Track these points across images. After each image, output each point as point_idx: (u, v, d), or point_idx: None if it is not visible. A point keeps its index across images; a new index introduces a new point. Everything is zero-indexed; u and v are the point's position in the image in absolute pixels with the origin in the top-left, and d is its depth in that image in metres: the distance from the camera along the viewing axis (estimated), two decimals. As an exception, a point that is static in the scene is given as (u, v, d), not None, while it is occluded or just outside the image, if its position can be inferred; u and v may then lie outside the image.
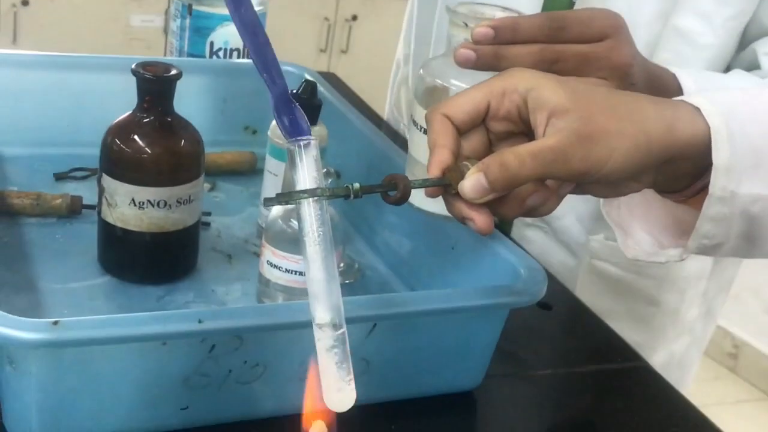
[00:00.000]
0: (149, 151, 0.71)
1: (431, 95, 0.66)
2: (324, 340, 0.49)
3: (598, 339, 0.82)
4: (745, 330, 2.47)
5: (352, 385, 0.49)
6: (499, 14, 0.65)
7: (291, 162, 0.51)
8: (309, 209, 0.50)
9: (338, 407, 0.48)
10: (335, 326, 0.49)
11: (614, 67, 0.60)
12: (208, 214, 0.85)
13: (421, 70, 0.68)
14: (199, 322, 0.56)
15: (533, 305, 0.81)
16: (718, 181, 0.52)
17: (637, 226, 0.59)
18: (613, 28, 0.60)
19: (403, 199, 0.54)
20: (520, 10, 0.65)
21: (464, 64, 0.60)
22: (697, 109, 0.53)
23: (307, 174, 0.51)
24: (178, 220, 0.74)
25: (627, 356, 0.80)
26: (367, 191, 0.53)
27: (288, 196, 0.51)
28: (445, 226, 0.77)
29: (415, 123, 0.67)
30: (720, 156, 0.52)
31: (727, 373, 2.49)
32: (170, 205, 0.73)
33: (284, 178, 0.76)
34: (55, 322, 0.52)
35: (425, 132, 0.60)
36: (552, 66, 0.59)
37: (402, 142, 0.93)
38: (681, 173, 0.54)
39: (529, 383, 0.74)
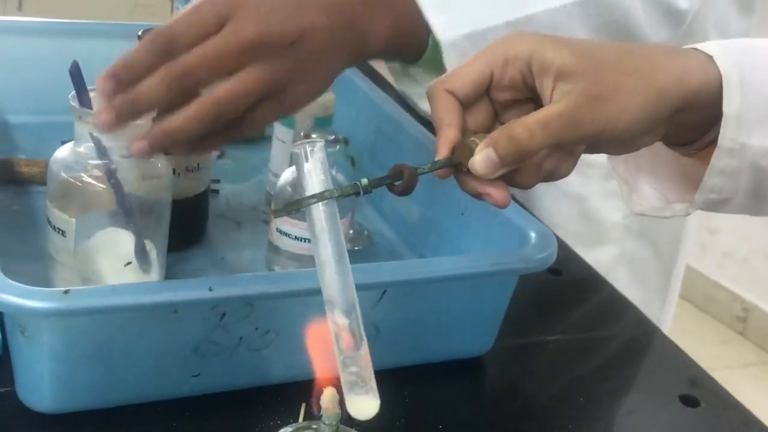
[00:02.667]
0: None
1: (66, 192, 0.63)
2: (342, 352, 0.48)
3: (608, 304, 0.82)
4: (755, 293, 2.47)
5: (374, 393, 0.48)
6: None
7: (298, 166, 0.51)
8: (319, 213, 0.50)
9: (361, 416, 0.47)
10: (352, 332, 0.48)
11: None
12: (217, 181, 0.85)
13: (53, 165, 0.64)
14: (210, 289, 0.56)
15: (543, 271, 0.82)
16: (727, 132, 0.51)
17: (644, 180, 0.58)
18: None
19: (409, 188, 0.53)
20: None
21: (140, 152, 0.58)
22: (710, 58, 0.52)
23: (315, 178, 0.50)
24: (186, 188, 0.74)
25: (637, 322, 0.80)
26: (376, 185, 0.52)
27: (297, 203, 0.50)
28: (453, 192, 0.76)
29: (50, 223, 0.64)
30: (731, 105, 0.50)
31: (735, 336, 2.49)
32: (179, 173, 0.72)
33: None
34: (66, 291, 0.52)
35: (62, 234, 0.60)
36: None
37: (409, 107, 0.92)
38: (691, 124, 0.52)
39: (538, 349, 0.74)
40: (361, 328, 0.48)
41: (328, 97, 0.84)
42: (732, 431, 0.68)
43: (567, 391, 0.70)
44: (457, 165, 0.53)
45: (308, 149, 0.49)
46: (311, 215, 0.49)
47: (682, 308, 1.97)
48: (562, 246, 0.88)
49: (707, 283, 2.52)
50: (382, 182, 0.53)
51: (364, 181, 0.52)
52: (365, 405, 0.47)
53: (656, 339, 0.78)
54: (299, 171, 0.50)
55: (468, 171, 0.53)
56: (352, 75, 0.94)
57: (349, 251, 0.79)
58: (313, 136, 0.73)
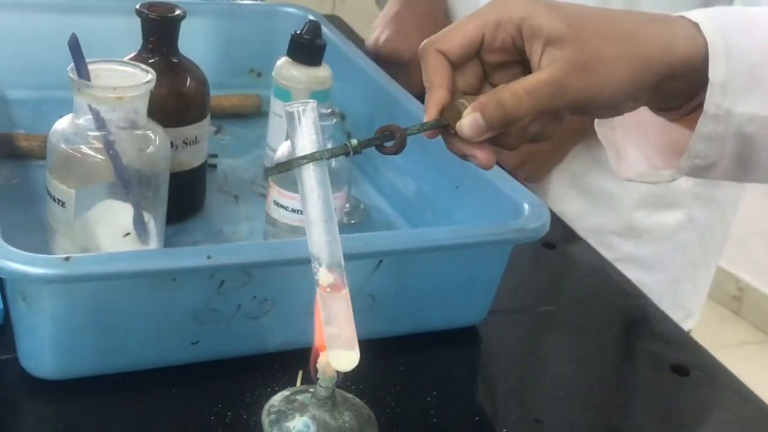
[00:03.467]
0: (155, 92, 0.72)
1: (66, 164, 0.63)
2: (327, 301, 0.49)
3: (601, 277, 0.83)
4: (750, 273, 2.48)
5: (355, 347, 0.49)
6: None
7: (290, 126, 0.52)
8: (309, 173, 0.51)
9: (343, 368, 0.49)
10: (338, 287, 0.49)
11: None
12: (215, 156, 0.86)
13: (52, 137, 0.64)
14: (208, 257, 0.57)
15: (537, 244, 0.83)
16: (713, 99, 0.52)
17: (631, 147, 0.59)
18: None
19: (401, 148, 0.54)
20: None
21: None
22: (696, 25, 0.52)
23: (307, 138, 0.51)
24: (184, 161, 0.75)
25: (630, 293, 0.81)
26: (365, 145, 0.53)
27: (288, 164, 0.51)
28: (448, 166, 0.77)
29: (50, 194, 0.64)
30: (716, 72, 0.51)
31: (730, 315, 2.51)
32: (176, 146, 0.73)
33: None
34: (67, 258, 0.53)
35: (62, 205, 0.61)
36: None
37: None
38: (677, 90, 0.53)
39: (531, 319, 0.75)
40: (346, 284, 0.49)
41: (325, 72, 0.85)
42: (722, 398, 0.69)
43: (559, 359, 0.71)
44: (445, 126, 0.55)
45: (301, 109, 0.50)
46: (301, 174, 0.51)
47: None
48: (557, 221, 0.89)
49: (703, 263, 2.53)
50: (372, 143, 0.54)
51: (354, 141, 0.53)
52: (346, 358, 0.48)
53: (649, 311, 0.79)
54: (291, 131, 0.51)
55: (455, 133, 0.54)
56: (349, 51, 0.94)
57: (346, 225, 0.81)
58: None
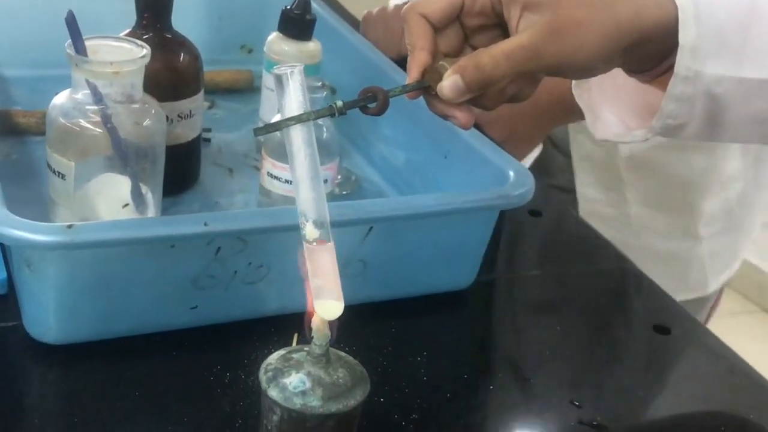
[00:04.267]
0: (149, 67, 0.73)
1: (65, 137, 0.65)
2: (313, 254, 0.52)
3: (586, 243, 0.85)
4: (739, 244, 2.51)
5: (339, 297, 0.51)
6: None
7: (278, 89, 0.54)
8: (296, 133, 0.53)
9: (328, 315, 0.51)
10: (323, 241, 0.52)
11: None
12: (209, 130, 0.88)
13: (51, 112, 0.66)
14: (205, 224, 0.59)
15: (524, 212, 0.85)
16: (683, 61, 0.54)
17: (607, 109, 0.62)
18: None
19: (383, 109, 0.56)
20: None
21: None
22: None
23: (294, 100, 0.53)
24: (179, 135, 0.77)
25: (614, 259, 0.83)
26: (350, 106, 0.56)
27: (276, 125, 0.53)
28: (436, 136, 0.79)
29: (50, 167, 0.66)
30: (686, 36, 0.53)
31: (721, 286, 2.53)
32: (172, 120, 0.75)
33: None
34: (70, 226, 0.55)
35: (62, 178, 0.63)
36: None
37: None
38: (648, 54, 0.56)
39: (518, 283, 0.78)
40: (331, 239, 0.52)
41: (315, 46, 0.87)
42: (702, 355, 0.72)
43: (545, 322, 0.73)
44: (426, 88, 0.57)
45: (288, 72, 0.52)
46: (289, 135, 0.53)
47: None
48: (543, 188, 0.92)
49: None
50: (356, 104, 0.56)
51: (339, 103, 0.55)
52: (331, 308, 0.51)
53: (632, 274, 0.81)
54: (279, 93, 0.53)
55: (436, 94, 0.56)
56: (339, 26, 0.96)
57: (337, 196, 0.83)
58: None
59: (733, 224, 1.10)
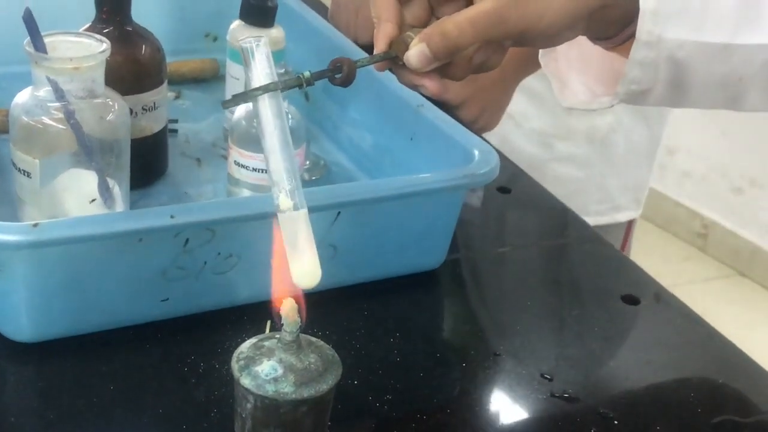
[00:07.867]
0: (111, 61, 0.73)
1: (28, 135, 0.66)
2: (288, 222, 0.52)
3: (554, 217, 0.86)
4: (714, 210, 2.53)
5: (317, 261, 0.52)
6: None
7: (245, 62, 0.54)
8: (265, 104, 0.53)
9: (306, 284, 0.52)
10: (297, 209, 0.52)
11: None
12: (175, 121, 0.88)
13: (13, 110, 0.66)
14: (172, 217, 0.59)
15: (493, 189, 0.86)
16: (644, 26, 0.55)
17: (574, 77, 0.63)
18: None
19: (349, 79, 0.56)
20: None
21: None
22: None
23: (260, 71, 0.53)
24: (144, 127, 0.77)
25: (584, 233, 0.84)
26: (318, 77, 0.56)
27: (244, 95, 0.53)
28: (402, 119, 0.80)
29: (15, 165, 0.67)
30: (647, 1, 0.54)
31: (696, 252, 2.57)
32: (136, 113, 0.75)
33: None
34: (35, 225, 0.56)
35: (28, 176, 0.64)
36: None
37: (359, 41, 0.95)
38: (611, 19, 0.56)
39: (488, 260, 0.79)
40: (305, 207, 0.52)
41: (278, 33, 0.86)
42: (670, 324, 0.73)
43: (514, 297, 0.74)
44: (393, 59, 0.57)
45: (254, 44, 0.53)
46: (257, 107, 0.53)
47: (644, 228, 2.03)
48: (512, 165, 0.93)
49: (668, 202, 2.58)
50: (324, 75, 0.56)
51: (306, 73, 0.55)
52: (309, 275, 0.51)
53: (600, 247, 0.82)
54: (246, 66, 0.53)
55: (404, 65, 0.56)
56: (302, 11, 0.96)
57: (307, 181, 0.83)
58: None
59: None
